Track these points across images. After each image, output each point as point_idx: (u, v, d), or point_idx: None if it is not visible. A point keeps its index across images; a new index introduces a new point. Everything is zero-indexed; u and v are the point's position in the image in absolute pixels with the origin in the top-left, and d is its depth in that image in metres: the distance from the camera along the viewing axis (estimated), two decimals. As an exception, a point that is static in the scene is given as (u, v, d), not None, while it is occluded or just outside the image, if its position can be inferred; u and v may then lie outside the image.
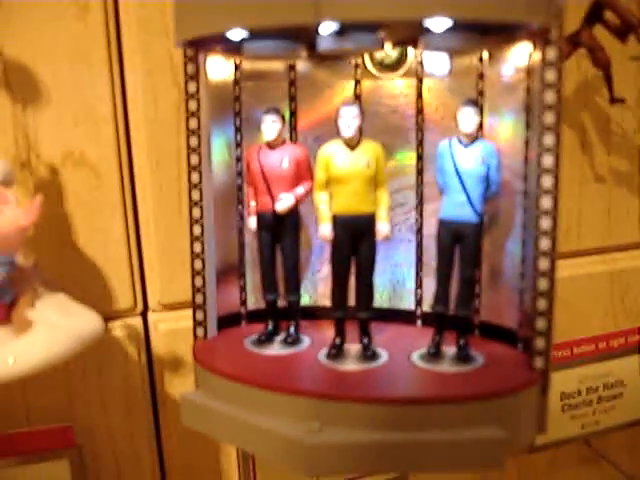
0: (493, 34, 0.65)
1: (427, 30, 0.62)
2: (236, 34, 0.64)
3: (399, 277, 0.82)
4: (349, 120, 0.69)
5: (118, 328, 0.91)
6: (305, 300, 0.83)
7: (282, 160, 0.73)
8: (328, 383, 0.67)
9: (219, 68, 0.77)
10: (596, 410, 1.11)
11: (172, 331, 0.92)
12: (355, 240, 0.71)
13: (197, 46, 0.71)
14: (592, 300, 1.10)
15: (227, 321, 0.81)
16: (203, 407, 0.71)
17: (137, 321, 0.92)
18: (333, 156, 0.70)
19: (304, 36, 0.68)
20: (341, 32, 0.63)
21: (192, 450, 0.95)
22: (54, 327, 0.68)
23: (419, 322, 0.82)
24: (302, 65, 0.80)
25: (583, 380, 1.09)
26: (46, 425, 0.88)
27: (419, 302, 0.81)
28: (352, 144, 0.70)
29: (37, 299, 0.71)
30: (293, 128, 0.81)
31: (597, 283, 1.10)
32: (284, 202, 0.73)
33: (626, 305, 1.12)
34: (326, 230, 0.71)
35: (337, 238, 0.71)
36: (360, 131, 0.70)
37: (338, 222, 0.71)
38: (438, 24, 0.59)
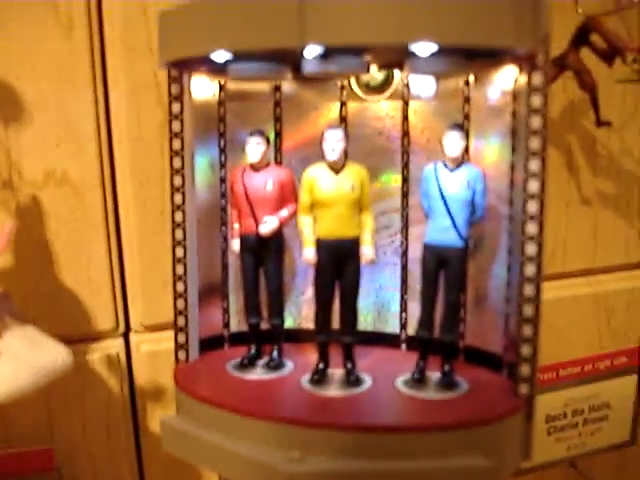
0: (479, 58, 0.65)
1: (413, 54, 0.62)
2: (220, 56, 0.63)
3: (384, 300, 0.81)
4: (334, 143, 0.68)
5: (99, 349, 0.89)
6: (289, 323, 0.82)
7: (266, 182, 0.73)
8: (310, 410, 0.66)
9: (203, 88, 0.76)
10: (582, 432, 1.11)
11: (154, 353, 0.91)
12: (339, 264, 0.70)
13: (181, 67, 0.71)
14: (578, 322, 1.09)
15: (209, 344, 0.80)
16: (183, 432, 0.69)
17: (119, 342, 0.91)
18: (317, 179, 0.69)
19: (289, 58, 0.68)
20: (326, 55, 0.62)
21: (174, 475, 0.94)
22: (20, 359, 0.67)
23: (404, 346, 0.81)
24: (288, 86, 0.79)
25: (569, 402, 1.08)
26: (26, 447, 0.86)
27: (404, 326, 0.80)
28: (337, 167, 0.69)
29: (5, 330, 0.70)
30: (278, 149, 0.80)
31: (583, 305, 1.09)
32: (268, 225, 0.73)
33: (612, 327, 1.12)
34: (310, 254, 0.70)
35: (321, 262, 0.70)
36: (345, 154, 0.70)
37: (322, 246, 0.70)
38: (424, 48, 0.59)
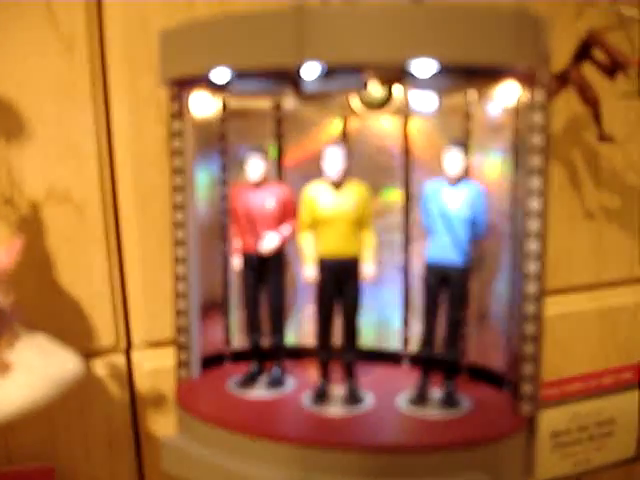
0: (480, 75, 0.65)
1: (413, 72, 0.62)
2: (220, 74, 0.63)
3: (385, 318, 0.81)
4: (334, 161, 0.68)
5: (101, 366, 0.89)
6: (290, 340, 0.81)
7: (267, 200, 0.73)
8: (312, 429, 0.66)
9: (205, 105, 0.76)
10: (587, 448, 1.10)
11: (156, 369, 0.90)
12: (340, 282, 0.70)
13: (182, 85, 0.71)
14: (582, 337, 1.08)
15: (211, 361, 0.80)
16: (184, 452, 0.69)
17: (120, 359, 0.90)
18: (318, 197, 0.69)
19: (289, 76, 0.68)
20: (326, 73, 0.62)
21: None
22: (34, 371, 0.67)
23: (406, 363, 0.80)
24: (289, 103, 0.79)
25: (574, 418, 1.07)
26: (27, 464, 0.86)
27: (406, 343, 0.80)
28: (337, 185, 0.69)
29: (17, 340, 0.70)
30: (279, 166, 0.80)
31: (587, 320, 1.09)
32: (269, 242, 0.72)
33: (617, 342, 1.11)
34: (310, 272, 0.70)
35: (322, 280, 0.70)
36: (345, 172, 0.70)
37: (323, 264, 0.70)
38: (424, 66, 0.58)
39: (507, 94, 0.70)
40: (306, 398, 0.71)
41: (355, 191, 0.69)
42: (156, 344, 0.90)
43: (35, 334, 0.72)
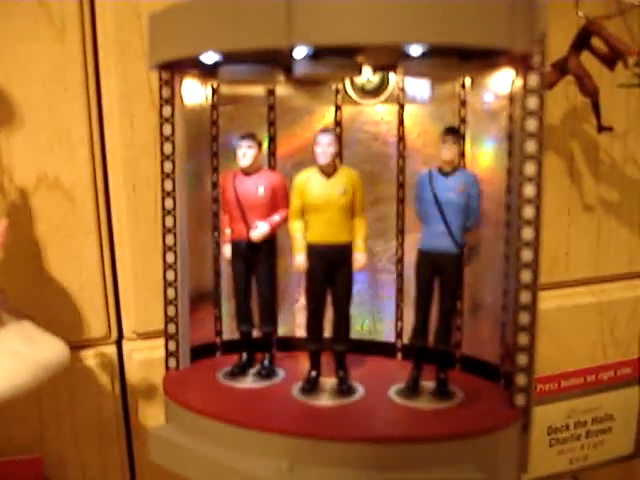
0: (474, 60, 0.64)
1: (406, 55, 0.60)
2: (210, 58, 0.62)
3: (379, 308, 0.80)
4: (324, 147, 0.67)
5: (91, 357, 0.88)
6: (282, 330, 0.80)
7: (257, 187, 0.71)
8: (301, 420, 0.65)
9: (196, 92, 0.75)
10: (585, 445, 1.08)
11: (147, 360, 0.89)
12: (331, 270, 0.69)
13: (172, 69, 0.70)
14: (580, 332, 1.07)
15: (202, 351, 0.79)
16: (172, 443, 0.68)
17: (111, 350, 0.89)
18: (308, 184, 0.68)
19: (281, 60, 0.66)
20: (317, 56, 0.61)
21: (166, 484, 0.92)
22: (18, 355, 0.66)
23: (399, 355, 0.79)
24: (282, 90, 0.78)
25: (571, 414, 1.06)
26: (14, 456, 0.85)
27: (399, 334, 0.79)
28: (328, 171, 0.68)
29: (1, 326, 0.69)
30: (271, 154, 0.79)
31: (586, 314, 1.07)
32: (259, 230, 0.71)
33: (616, 337, 1.10)
34: (300, 260, 0.69)
35: (312, 268, 0.69)
36: (337, 158, 0.68)
37: (313, 252, 0.68)
38: (415, 49, 0.57)
39: (502, 80, 0.69)
40: (296, 389, 0.70)
41: (346, 177, 0.68)
42: (147, 335, 0.89)
43: (21, 321, 0.71)
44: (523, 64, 0.62)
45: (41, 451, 0.87)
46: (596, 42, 0.89)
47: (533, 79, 0.61)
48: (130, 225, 0.87)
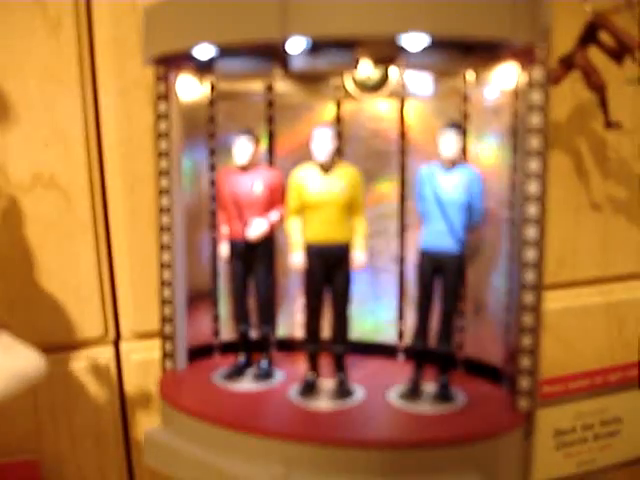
0: (476, 53, 0.62)
1: (405, 48, 0.59)
2: (205, 51, 0.61)
3: (379, 309, 0.78)
4: (323, 143, 0.65)
5: (88, 357, 0.87)
6: (281, 331, 0.79)
7: (254, 184, 0.70)
8: (297, 423, 0.63)
9: (192, 88, 0.73)
10: (592, 448, 1.06)
11: (145, 361, 0.88)
12: (329, 270, 0.67)
13: (168, 64, 0.68)
14: (588, 333, 1.05)
15: (200, 352, 0.77)
16: (167, 446, 0.66)
17: (108, 350, 0.88)
18: (306, 180, 0.66)
19: (278, 54, 0.65)
20: (314, 50, 0.60)
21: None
22: None
23: (400, 356, 0.77)
24: (280, 86, 0.76)
25: (578, 416, 1.04)
26: (11, 458, 0.84)
27: (400, 335, 0.77)
28: (326, 168, 0.66)
29: None
30: (270, 151, 0.77)
31: (593, 315, 1.05)
32: (256, 228, 0.69)
33: (624, 338, 1.07)
34: (298, 259, 0.67)
35: (310, 268, 0.67)
36: (335, 155, 0.67)
37: (311, 251, 0.67)
38: (415, 41, 0.55)
39: (505, 75, 0.67)
40: (294, 391, 0.68)
41: (345, 174, 0.66)
42: (145, 335, 0.88)
43: None
44: (527, 58, 0.60)
45: (38, 453, 0.85)
46: (604, 36, 0.87)
47: (537, 72, 0.59)
48: (127, 223, 0.85)
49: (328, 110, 0.77)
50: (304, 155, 0.73)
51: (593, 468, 1.06)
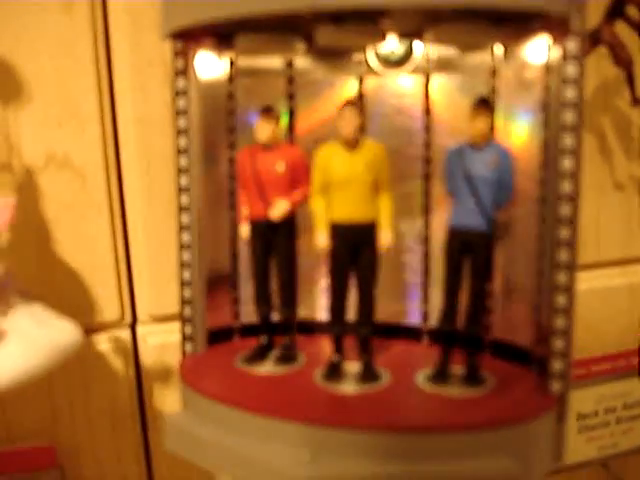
0: (507, 25, 0.60)
1: (434, 20, 0.56)
2: (225, 25, 0.58)
3: (404, 290, 0.76)
4: (348, 120, 0.63)
5: (104, 341, 0.85)
6: (303, 313, 0.77)
7: (276, 162, 0.68)
8: (323, 408, 0.61)
9: (212, 64, 0.71)
10: (614, 432, 1.05)
11: (162, 345, 0.86)
12: (355, 250, 0.65)
13: (186, 39, 0.66)
14: (611, 315, 1.03)
15: (219, 335, 0.76)
16: (187, 431, 0.65)
17: (125, 333, 0.87)
18: (330, 158, 0.64)
19: (301, 28, 0.63)
20: (339, 22, 0.57)
21: (184, 473, 0.89)
22: (29, 338, 0.63)
23: (425, 339, 0.75)
24: (301, 62, 0.74)
25: (600, 400, 1.02)
26: (28, 444, 0.82)
27: (425, 317, 0.75)
28: (351, 145, 0.64)
29: (11, 309, 0.66)
30: (291, 128, 0.75)
31: (616, 297, 1.03)
32: (278, 208, 0.68)
33: (647, 320, 1.06)
34: (322, 239, 0.65)
35: (335, 248, 0.65)
36: (360, 131, 0.64)
37: (336, 231, 0.65)
38: (444, 11, 0.53)
39: (537, 49, 0.64)
40: (318, 375, 0.67)
41: (371, 151, 0.64)
42: (162, 318, 0.86)
43: (31, 303, 0.68)
44: (560, 29, 0.57)
45: (54, 438, 0.84)
46: (631, 10, 0.84)
47: (572, 44, 0.57)
48: (143, 204, 0.83)
49: (350, 86, 0.74)
50: (325, 132, 0.71)
51: (615, 452, 1.04)
